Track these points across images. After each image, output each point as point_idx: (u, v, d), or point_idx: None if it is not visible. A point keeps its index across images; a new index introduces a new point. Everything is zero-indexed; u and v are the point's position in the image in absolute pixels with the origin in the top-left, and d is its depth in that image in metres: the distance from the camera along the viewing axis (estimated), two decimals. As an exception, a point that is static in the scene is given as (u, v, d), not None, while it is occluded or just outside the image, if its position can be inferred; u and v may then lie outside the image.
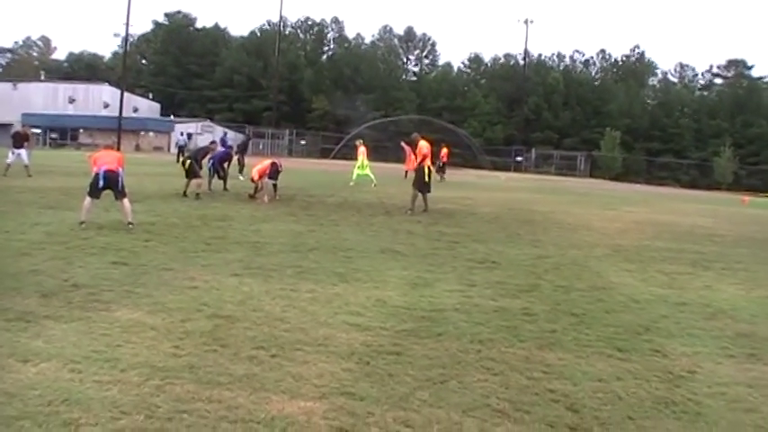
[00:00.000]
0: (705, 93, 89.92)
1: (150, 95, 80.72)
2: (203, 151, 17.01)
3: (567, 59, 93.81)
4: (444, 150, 33.09)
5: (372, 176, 24.07)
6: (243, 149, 24.98)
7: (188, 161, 15.82)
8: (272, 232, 10.55)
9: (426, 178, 15.13)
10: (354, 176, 24.26)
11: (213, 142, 18.81)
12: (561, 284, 7.77)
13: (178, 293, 6.32)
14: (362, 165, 24.49)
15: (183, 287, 6.58)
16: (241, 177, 21.31)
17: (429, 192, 15.34)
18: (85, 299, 5.96)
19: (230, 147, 23.84)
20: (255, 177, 16.01)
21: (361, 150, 24.66)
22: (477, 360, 4.92)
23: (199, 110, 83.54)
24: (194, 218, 11.78)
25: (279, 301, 6.23)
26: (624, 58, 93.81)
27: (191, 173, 15.55)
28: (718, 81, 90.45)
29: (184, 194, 15.46)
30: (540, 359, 5.03)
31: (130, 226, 9.97)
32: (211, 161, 17.46)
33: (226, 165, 18.66)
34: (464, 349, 5.15)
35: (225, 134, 32.38)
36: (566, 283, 7.84)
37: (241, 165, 23.15)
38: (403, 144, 16.64)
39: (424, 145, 15.27)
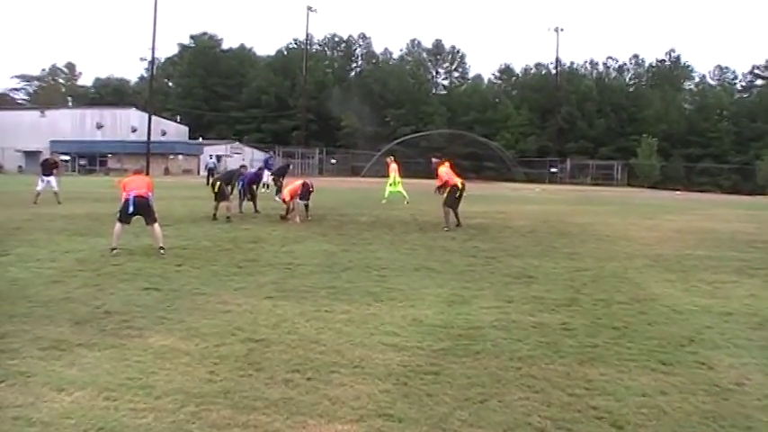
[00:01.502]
0: (745, 95, 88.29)
1: (178, 118, 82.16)
2: (234, 174, 17.08)
3: (600, 66, 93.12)
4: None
5: (405, 193, 24.10)
6: (282, 173, 24.98)
7: (217, 183, 16.04)
8: (304, 253, 10.63)
9: (457, 195, 15.17)
10: (386, 194, 24.29)
11: (243, 166, 19.04)
12: (601, 298, 7.68)
13: (211, 318, 6.40)
14: (394, 182, 24.53)
15: (215, 311, 6.66)
16: (277, 199, 21.38)
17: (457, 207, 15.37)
18: (118, 325, 6.06)
19: (263, 168, 24.18)
20: (287, 198, 16.18)
21: (393, 167, 24.68)
22: (516, 378, 4.88)
23: (227, 131, 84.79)
24: (225, 241, 11.92)
25: (313, 323, 6.27)
26: (659, 63, 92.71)
27: (220, 195, 15.76)
28: (759, 82, 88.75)
29: (214, 217, 15.67)
30: (582, 375, 4.96)
31: (161, 251, 10.13)
32: (241, 183, 17.73)
33: (255, 187, 18.95)
34: (503, 367, 5.11)
35: (270, 157, 32.43)
36: (605, 296, 7.75)
37: (278, 187, 23.15)
38: (434, 161, 16.58)
39: (443, 172, 15.32)
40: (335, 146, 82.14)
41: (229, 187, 16.18)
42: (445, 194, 15.36)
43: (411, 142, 76.08)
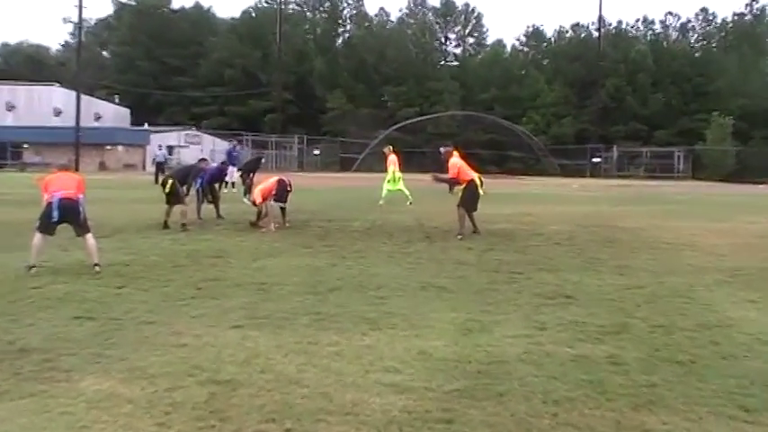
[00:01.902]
0: None
1: (117, 98, 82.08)
2: (191, 171, 16.74)
3: (657, 26, 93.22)
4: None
5: (407, 192, 24.11)
6: (252, 169, 24.93)
7: (170, 181, 15.73)
8: (281, 269, 10.61)
9: (474, 194, 15.21)
10: (384, 193, 24.31)
11: (203, 159, 18.71)
12: (659, 323, 7.65)
13: (162, 354, 6.35)
14: (394, 178, 24.56)
15: (167, 345, 6.61)
16: (246, 201, 21.47)
17: (476, 210, 15.43)
18: (39, 367, 5.98)
19: (226, 163, 24.13)
20: (258, 200, 16.10)
21: (392, 159, 24.64)
22: (552, 427, 4.83)
23: (181, 115, 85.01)
24: (181, 255, 11.89)
25: (293, 359, 6.22)
26: (736, 18, 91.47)
27: (173, 197, 15.56)
28: None
29: (166, 225, 15.61)
30: (637, 423, 4.92)
31: (96, 269, 10.07)
32: (200, 181, 17.56)
33: (217, 186, 18.88)
34: (535, 413, 5.07)
35: (233, 147, 31.75)
36: (665, 321, 7.72)
37: (247, 186, 23.32)
38: (442, 150, 16.55)
39: (454, 164, 15.37)
40: (320, 133, 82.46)
41: (185, 187, 15.89)
42: (460, 193, 15.39)
43: (415, 128, 76.48)
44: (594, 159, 77.61)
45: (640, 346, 6.78)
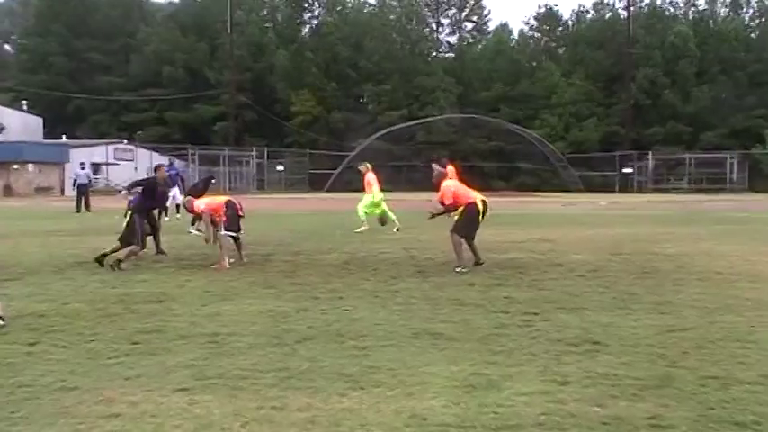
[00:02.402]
0: None
1: (25, 105, 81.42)
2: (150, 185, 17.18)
3: (701, 2, 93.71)
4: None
5: (391, 215, 24.15)
6: (200, 192, 24.94)
7: (129, 212, 16.21)
8: (238, 316, 10.58)
9: (474, 218, 15.26)
10: (363, 215, 24.36)
11: (161, 166, 19.34)
12: (711, 374, 7.65)
13: (87, 429, 6.29)
14: (373, 202, 24.56)
15: (94, 417, 6.54)
16: (193, 231, 22.02)
17: (473, 237, 15.52)
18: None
19: (170, 185, 24.14)
20: (200, 209, 16.32)
21: (370, 178, 24.64)
22: (580, 507, 4.83)
23: (109, 125, 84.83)
24: (111, 300, 11.83)
25: (255, 430, 6.19)
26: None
27: (128, 232, 15.89)
28: None
29: (101, 261, 15.58)
30: (686, 499, 4.92)
31: (0, 321, 10.01)
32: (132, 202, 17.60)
33: (158, 213, 18.89)
34: (558, 490, 5.07)
35: (171, 163, 31.80)
36: (719, 372, 7.72)
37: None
38: (435, 170, 16.51)
39: (447, 188, 15.46)
40: (284, 145, 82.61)
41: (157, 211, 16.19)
42: (456, 217, 15.51)
43: (401, 135, 76.77)
44: (625, 170, 78.05)
45: (689, 403, 6.78)
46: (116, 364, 8.16)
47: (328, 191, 69.73)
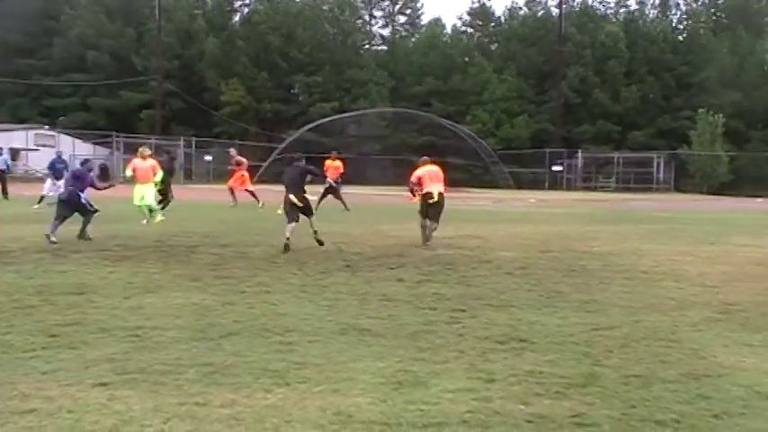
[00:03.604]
0: None
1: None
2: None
3: (631, 3, 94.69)
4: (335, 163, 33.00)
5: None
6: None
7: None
8: (161, 309, 10.48)
9: (427, 203, 18.71)
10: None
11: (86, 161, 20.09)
12: (635, 372, 7.77)
13: (0, 425, 6.19)
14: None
15: (8, 413, 6.42)
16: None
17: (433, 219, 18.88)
18: None
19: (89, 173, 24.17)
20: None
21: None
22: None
23: (29, 109, 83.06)
24: (28, 292, 11.63)
25: (176, 426, 6.14)
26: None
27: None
28: None
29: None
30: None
31: None
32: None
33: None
34: (482, 488, 5.10)
35: (58, 157, 32.21)
36: (642, 371, 7.85)
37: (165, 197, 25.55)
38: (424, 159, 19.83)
39: (418, 171, 19.41)
40: (212, 134, 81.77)
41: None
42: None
43: (333, 128, 76.39)
44: (555, 167, 78.69)
45: (612, 401, 6.88)
46: (32, 358, 8.04)
47: (257, 182, 68.98)
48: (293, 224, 17.53)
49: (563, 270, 14.84)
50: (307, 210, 18.21)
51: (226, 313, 10.31)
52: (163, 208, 25.29)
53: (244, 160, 33.92)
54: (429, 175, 19.21)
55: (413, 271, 14.24)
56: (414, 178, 19.32)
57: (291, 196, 17.78)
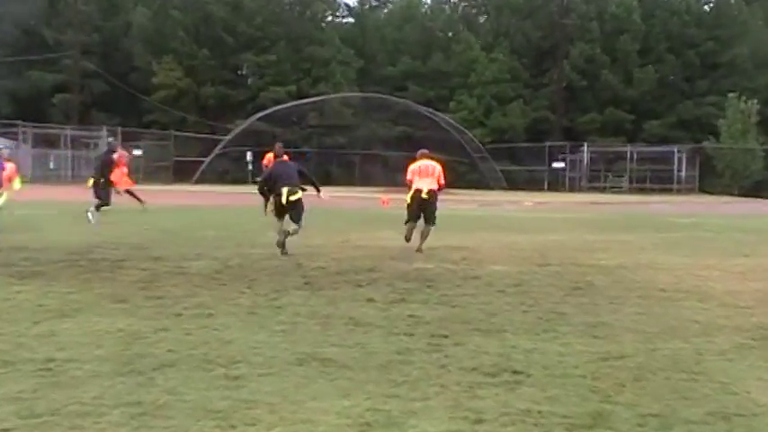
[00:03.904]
0: None
1: None
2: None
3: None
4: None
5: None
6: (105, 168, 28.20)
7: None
8: (79, 337, 10.38)
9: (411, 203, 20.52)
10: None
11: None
12: (652, 411, 7.78)
13: None
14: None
15: None
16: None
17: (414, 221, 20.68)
18: None
19: None
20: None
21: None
22: None
23: None
24: None
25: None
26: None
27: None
28: None
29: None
30: None
31: None
32: None
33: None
34: None
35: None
36: (661, 409, 7.85)
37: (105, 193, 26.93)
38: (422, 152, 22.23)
39: (413, 167, 21.28)
40: (142, 124, 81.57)
41: None
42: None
43: (289, 116, 76.41)
44: (556, 164, 78.99)
45: (624, 446, 6.89)
46: None
47: (197, 182, 69.01)
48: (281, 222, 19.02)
49: (565, 287, 14.86)
50: (295, 215, 19.02)
51: (158, 341, 10.22)
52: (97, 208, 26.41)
53: (125, 153, 34.20)
54: (420, 168, 20.95)
55: (385, 289, 14.22)
56: (409, 175, 21.16)
57: (284, 190, 18.42)
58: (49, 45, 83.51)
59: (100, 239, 18.22)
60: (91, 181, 28.34)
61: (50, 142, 68.84)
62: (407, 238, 20.69)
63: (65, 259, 17.38)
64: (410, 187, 20.96)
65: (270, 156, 31.84)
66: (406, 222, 20.95)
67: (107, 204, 27.53)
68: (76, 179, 59.88)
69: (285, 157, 21.25)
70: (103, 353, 9.65)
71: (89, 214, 26.10)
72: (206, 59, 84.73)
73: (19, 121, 68.85)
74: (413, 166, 21.19)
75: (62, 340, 10.23)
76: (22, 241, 19.94)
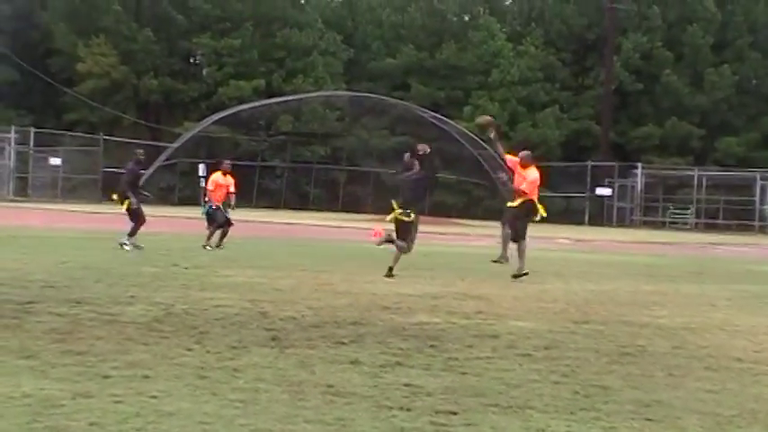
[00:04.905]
0: None
1: None
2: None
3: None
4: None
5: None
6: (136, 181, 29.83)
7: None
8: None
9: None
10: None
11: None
12: None
13: None
14: None
15: None
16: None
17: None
18: None
19: None
20: None
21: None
22: None
23: None
24: None
25: None
26: None
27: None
28: None
29: None
30: None
31: None
32: None
33: None
34: None
35: None
36: None
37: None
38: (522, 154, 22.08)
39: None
40: (62, 125, 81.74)
41: None
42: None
43: (254, 119, 76.50)
44: (600, 190, 79.15)
45: None
46: None
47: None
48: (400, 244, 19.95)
49: (610, 353, 14.83)
50: (406, 233, 20.23)
51: (77, 411, 10.11)
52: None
53: None
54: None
55: (375, 349, 14.15)
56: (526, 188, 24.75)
57: (402, 211, 19.72)
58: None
59: (4, 275, 18.11)
60: (126, 203, 30.76)
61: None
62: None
63: (-45, 300, 17.41)
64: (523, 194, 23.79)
65: (216, 176, 32.13)
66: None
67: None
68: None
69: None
70: (4, 426, 9.63)
71: (125, 246, 28.64)
72: (149, 43, 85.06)
73: None
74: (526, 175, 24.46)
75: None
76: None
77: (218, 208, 31.47)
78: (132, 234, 29.87)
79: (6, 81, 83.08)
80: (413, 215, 23.40)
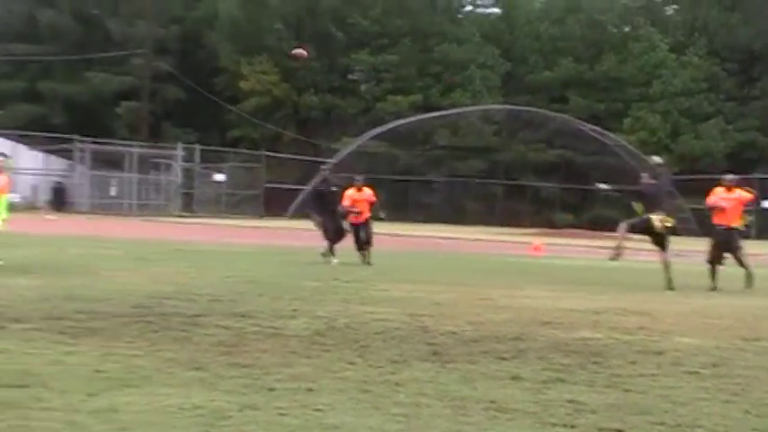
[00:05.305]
0: None
1: None
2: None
3: None
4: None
5: None
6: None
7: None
8: (146, 415, 10.34)
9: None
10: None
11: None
12: None
13: None
14: None
15: None
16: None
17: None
18: None
19: None
20: None
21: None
22: None
23: None
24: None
25: None
26: None
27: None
28: None
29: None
30: None
31: None
32: None
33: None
34: None
35: None
36: None
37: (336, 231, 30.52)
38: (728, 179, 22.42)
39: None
40: (225, 142, 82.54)
41: None
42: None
43: (412, 133, 76.62)
44: (768, 203, 78.00)
45: None
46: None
47: (294, 216, 69.20)
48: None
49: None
50: (664, 240, 21.37)
51: (245, 423, 10.15)
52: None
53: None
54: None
55: (537, 364, 14.05)
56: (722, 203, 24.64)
57: (654, 219, 20.31)
58: (115, 40, 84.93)
59: (173, 289, 18.32)
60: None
61: (113, 162, 69.77)
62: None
63: (128, 313, 17.63)
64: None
65: (350, 192, 32.28)
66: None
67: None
68: (144, 209, 60.82)
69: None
70: (175, 438, 9.71)
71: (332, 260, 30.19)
72: (309, 59, 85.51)
73: (75, 136, 69.59)
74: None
75: (124, 418, 10.19)
76: (75, 288, 20.23)
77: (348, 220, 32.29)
78: (329, 250, 30.84)
79: (174, 100, 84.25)
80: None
